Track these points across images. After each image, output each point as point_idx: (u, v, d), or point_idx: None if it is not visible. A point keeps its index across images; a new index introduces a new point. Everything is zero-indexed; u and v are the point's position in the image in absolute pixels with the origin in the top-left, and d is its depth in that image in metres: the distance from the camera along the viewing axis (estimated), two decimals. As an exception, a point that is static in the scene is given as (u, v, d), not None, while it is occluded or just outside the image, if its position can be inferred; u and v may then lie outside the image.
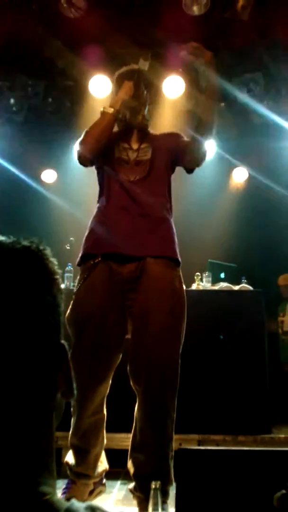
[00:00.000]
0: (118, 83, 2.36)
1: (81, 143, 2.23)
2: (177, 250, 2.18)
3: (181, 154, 2.30)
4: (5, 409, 0.56)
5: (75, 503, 0.55)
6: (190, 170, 2.36)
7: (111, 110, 2.20)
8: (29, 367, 0.58)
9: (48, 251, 0.65)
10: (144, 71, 2.32)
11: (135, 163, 2.24)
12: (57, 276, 0.66)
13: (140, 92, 2.29)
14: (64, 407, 0.65)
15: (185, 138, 2.33)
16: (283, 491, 0.54)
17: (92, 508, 0.55)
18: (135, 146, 2.29)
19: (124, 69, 2.38)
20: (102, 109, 2.23)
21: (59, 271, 0.68)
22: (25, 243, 0.64)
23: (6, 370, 0.56)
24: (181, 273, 2.18)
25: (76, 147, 2.27)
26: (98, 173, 2.35)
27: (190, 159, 2.30)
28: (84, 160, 2.26)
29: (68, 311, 2.10)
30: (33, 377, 0.58)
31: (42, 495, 0.55)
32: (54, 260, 0.66)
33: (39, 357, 0.59)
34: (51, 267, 0.65)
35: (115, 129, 2.32)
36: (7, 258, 0.61)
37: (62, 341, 0.65)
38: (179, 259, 2.18)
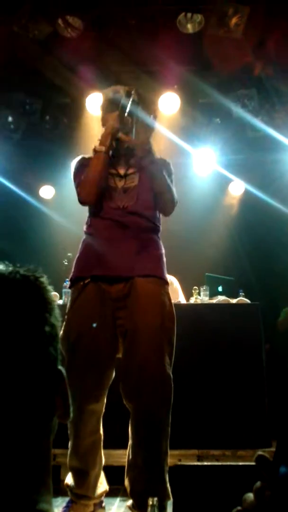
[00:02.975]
0: (104, 109, 2.39)
1: (82, 190, 2.24)
2: (165, 271, 2.22)
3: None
4: (6, 432, 0.58)
5: None
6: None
7: (103, 149, 2.23)
8: (28, 394, 0.61)
9: (44, 279, 0.68)
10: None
11: (123, 191, 2.26)
12: (55, 305, 0.68)
13: (125, 120, 2.26)
14: (57, 428, 0.67)
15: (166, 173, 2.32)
16: (239, 508, 0.55)
17: None
18: (122, 172, 2.30)
19: (109, 94, 2.38)
20: (94, 148, 2.26)
21: (57, 294, 0.70)
22: (23, 272, 0.66)
23: (6, 397, 0.58)
24: (169, 290, 2.21)
25: (78, 191, 2.27)
26: None
27: (160, 206, 2.31)
28: (87, 204, 2.30)
29: (61, 331, 2.11)
30: (32, 402, 0.61)
31: None
32: (51, 288, 0.68)
33: (37, 384, 0.62)
34: (48, 297, 0.67)
35: None
36: (6, 290, 0.63)
37: (60, 367, 0.67)
38: (166, 279, 2.22)
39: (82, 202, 2.29)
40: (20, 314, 0.62)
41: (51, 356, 0.65)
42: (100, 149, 2.23)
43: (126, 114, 2.21)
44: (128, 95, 2.23)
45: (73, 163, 2.38)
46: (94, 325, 2.05)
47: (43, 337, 0.64)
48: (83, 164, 2.31)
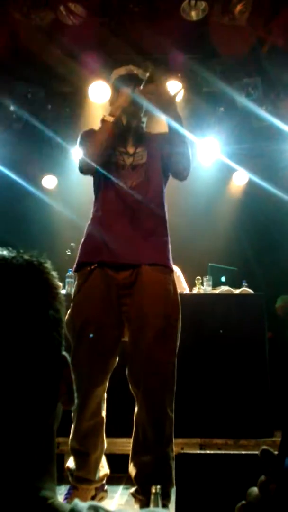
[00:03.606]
0: (116, 85, 2.37)
1: (86, 154, 2.24)
2: (170, 258, 2.22)
3: (167, 164, 2.32)
4: (9, 418, 0.57)
5: (78, 503, 0.56)
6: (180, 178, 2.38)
7: (111, 119, 2.23)
8: (32, 379, 0.60)
9: (48, 265, 0.66)
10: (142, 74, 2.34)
11: (132, 168, 2.26)
12: (59, 290, 0.67)
13: (137, 97, 2.28)
14: (61, 414, 0.67)
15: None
16: (243, 502, 0.55)
17: (95, 507, 0.56)
18: (131, 150, 2.30)
19: (122, 72, 2.38)
20: (102, 117, 2.26)
21: (60, 284, 0.69)
22: (27, 257, 0.65)
23: (9, 383, 0.58)
24: (174, 278, 2.21)
25: (79, 156, 2.29)
26: (94, 179, 2.36)
27: (174, 171, 2.32)
28: (88, 170, 2.27)
29: (67, 316, 2.12)
30: (36, 388, 0.60)
31: (45, 499, 0.56)
32: (55, 274, 0.67)
33: (41, 369, 0.61)
34: (52, 281, 0.66)
35: None
36: (10, 274, 0.62)
37: (64, 353, 0.66)
38: (172, 267, 2.21)
39: (84, 166, 2.25)
40: (23, 298, 0.61)
41: (55, 341, 0.64)
42: (108, 119, 2.24)
43: (141, 87, 2.23)
44: (146, 70, 2.27)
45: (80, 134, 2.37)
46: (91, 335, 2.06)
47: (47, 322, 0.63)
48: (90, 133, 2.31)
